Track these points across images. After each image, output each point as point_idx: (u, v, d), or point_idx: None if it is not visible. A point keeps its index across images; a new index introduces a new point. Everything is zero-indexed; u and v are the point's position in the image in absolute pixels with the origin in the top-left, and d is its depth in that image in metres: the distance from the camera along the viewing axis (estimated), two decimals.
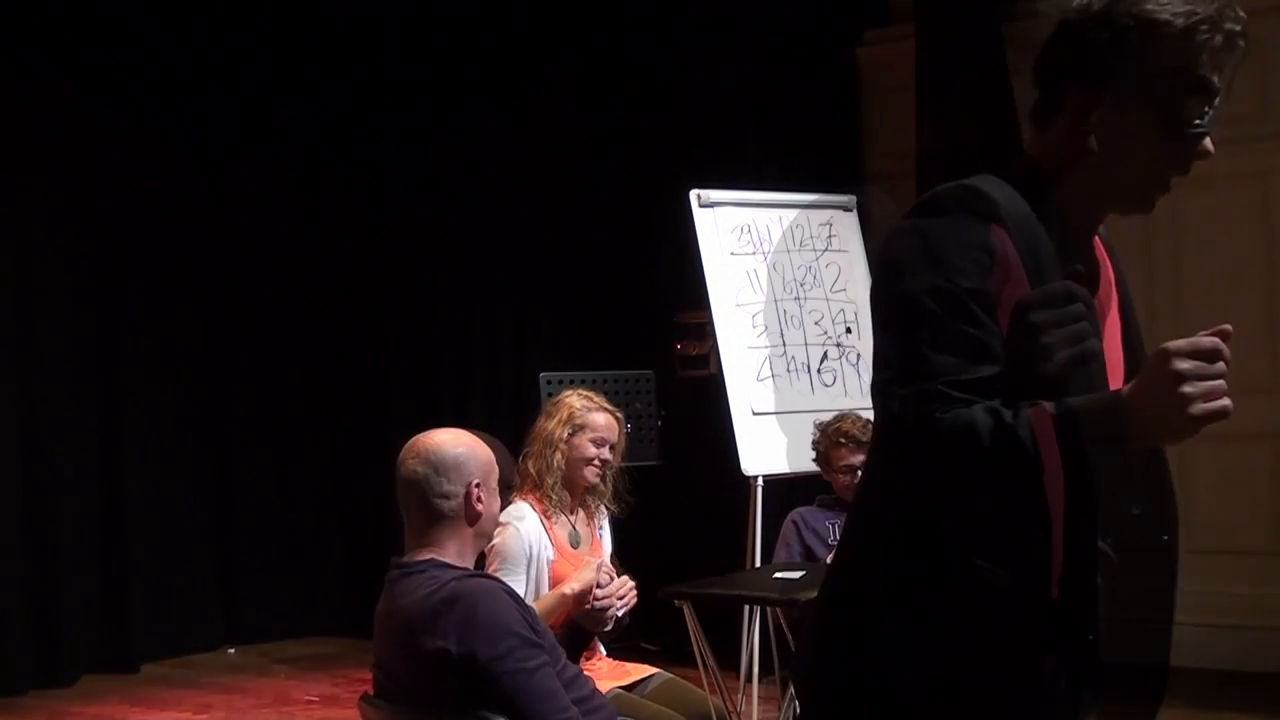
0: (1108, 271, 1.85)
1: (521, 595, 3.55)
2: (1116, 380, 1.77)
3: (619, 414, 3.96)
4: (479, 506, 2.70)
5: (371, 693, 2.71)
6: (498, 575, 3.54)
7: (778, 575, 4.14)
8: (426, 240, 7.69)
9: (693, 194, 5.54)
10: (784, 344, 5.56)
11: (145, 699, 6.32)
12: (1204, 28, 1.67)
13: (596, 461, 3.85)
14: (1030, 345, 1.52)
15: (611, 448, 3.89)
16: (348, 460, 7.80)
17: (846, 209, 5.93)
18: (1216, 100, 1.70)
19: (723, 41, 6.80)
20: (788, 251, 5.70)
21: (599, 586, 3.18)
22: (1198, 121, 1.70)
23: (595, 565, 3.30)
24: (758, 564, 5.12)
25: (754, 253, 5.64)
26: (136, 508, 6.90)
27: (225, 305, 7.48)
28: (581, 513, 3.92)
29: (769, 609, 4.51)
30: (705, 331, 6.06)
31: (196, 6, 7.11)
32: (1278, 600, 5.93)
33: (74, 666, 6.56)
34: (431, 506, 2.68)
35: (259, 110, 7.48)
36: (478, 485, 2.69)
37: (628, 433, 4.14)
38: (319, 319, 7.84)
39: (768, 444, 5.33)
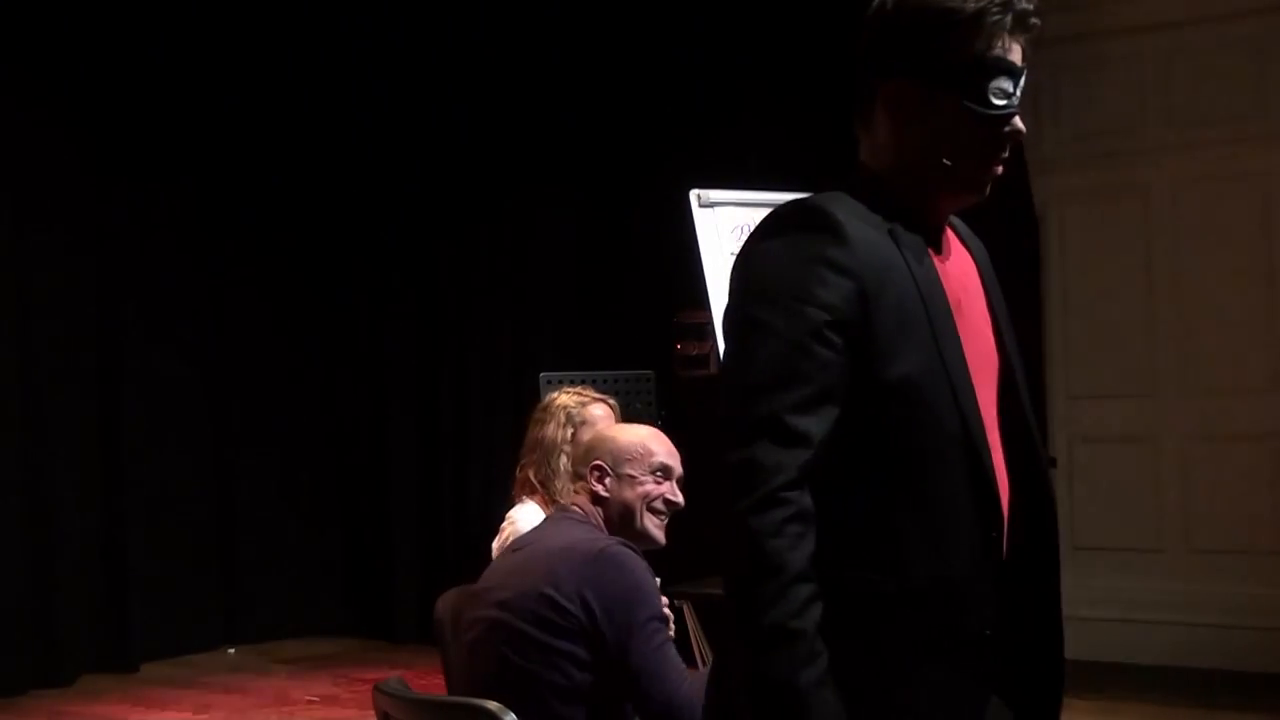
0: (965, 264, 1.86)
1: None
2: (988, 376, 1.77)
3: (612, 400, 3.88)
4: (598, 488, 2.84)
5: (387, 680, 2.68)
6: None
7: None
8: (427, 239, 7.69)
9: (693, 194, 5.52)
10: None
11: (145, 699, 6.33)
12: (994, 11, 1.71)
13: None
14: None
15: None
16: (348, 460, 7.80)
17: None
18: (1021, 78, 1.74)
19: (723, 41, 6.79)
20: None
21: None
22: (1003, 102, 1.73)
23: None
24: None
25: None
26: (136, 507, 6.89)
27: (225, 304, 7.48)
28: None
29: None
30: (705, 331, 6.03)
31: (184, 12, 7.13)
32: (1278, 600, 5.93)
33: (74, 666, 6.56)
34: (579, 476, 2.92)
35: (264, 100, 7.48)
36: (596, 467, 2.85)
37: None
38: (319, 318, 7.84)
39: None
